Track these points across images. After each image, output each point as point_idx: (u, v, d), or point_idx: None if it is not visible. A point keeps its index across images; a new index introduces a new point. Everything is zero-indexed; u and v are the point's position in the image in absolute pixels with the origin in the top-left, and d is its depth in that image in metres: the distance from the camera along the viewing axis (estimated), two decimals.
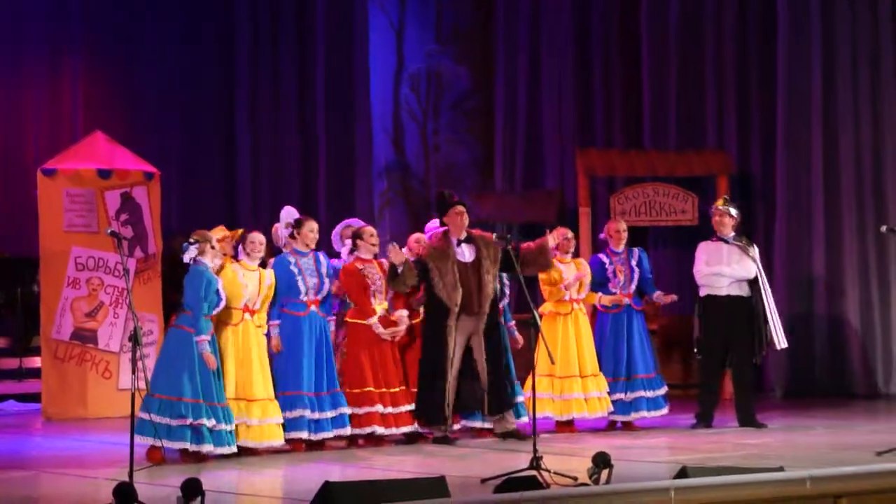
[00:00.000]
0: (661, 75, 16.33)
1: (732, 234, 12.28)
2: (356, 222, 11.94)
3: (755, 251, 12.26)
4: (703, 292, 12.25)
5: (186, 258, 10.51)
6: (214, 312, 10.43)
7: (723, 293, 12.15)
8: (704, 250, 12.29)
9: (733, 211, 12.35)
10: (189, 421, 10.19)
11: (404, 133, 18.39)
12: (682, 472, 7.80)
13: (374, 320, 11.22)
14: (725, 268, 12.15)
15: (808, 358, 15.09)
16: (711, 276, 12.16)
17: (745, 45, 16.05)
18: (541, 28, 17.44)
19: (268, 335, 11.04)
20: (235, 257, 11.08)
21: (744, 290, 12.17)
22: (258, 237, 10.95)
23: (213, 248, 10.51)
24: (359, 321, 11.28)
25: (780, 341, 12.17)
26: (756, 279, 12.17)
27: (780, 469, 8.07)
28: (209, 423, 10.24)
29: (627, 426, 12.24)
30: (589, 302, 12.35)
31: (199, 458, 10.28)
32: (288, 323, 11.05)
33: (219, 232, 11.11)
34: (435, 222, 12.00)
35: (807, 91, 15.08)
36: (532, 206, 16.71)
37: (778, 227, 15.33)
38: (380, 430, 11.15)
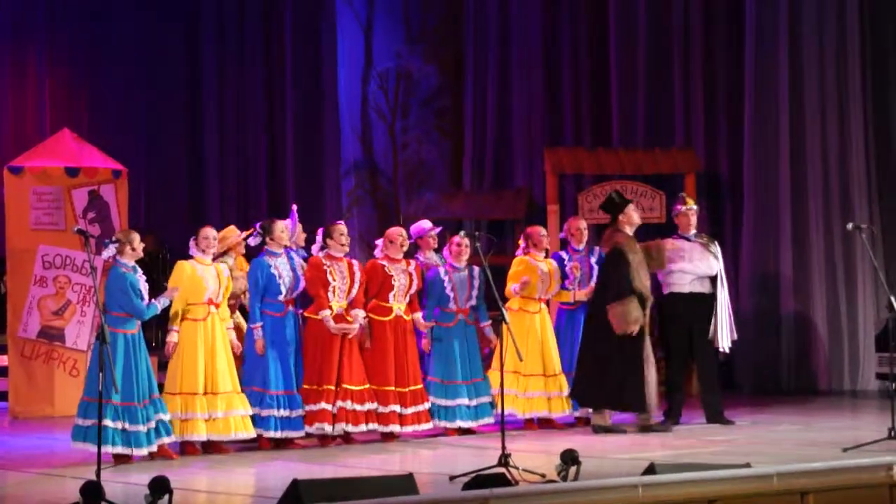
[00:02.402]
0: (629, 74, 16.37)
1: (694, 231, 12.33)
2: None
3: (717, 248, 12.30)
4: (665, 290, 12.27)
5: (105, 256, 10.48)
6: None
7: (685, 290, 12.17)
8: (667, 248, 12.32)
9: (695, 208, 12.42)
10: (128, 425, 10.16)
11: (372, 131, 18.37)
12: (650, 469, 7.80)
13: (326, 313, 11.11)
14: (688, 264, 12.18)
15: (775, 355, 15.15)
16: (674, 273, 12.18)
17: (712, 44, 16.10)
18: (510, 27, 17.47)
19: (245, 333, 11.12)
20: (246, 255, 11.10)
21: (706, 287, 12.20)
22: (211, 233, 10.91)
23: (133, 249, 10.44)
24: (315, 316, 11.24)
25: (724, 341, 12.17)
26: (716, 276, 12.21)
27: (748, 465, 8.08)
28: (125, 425, 10.15)
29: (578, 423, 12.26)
30: (563, 299, 12.33)
31: (123, 459, 10.19)
32: (268, 324, 11.03)
33: (230, 232, 11.29)
34: (421, 223, 12.03)
35: (773, 90, 15.13)
36: (501, 203, 16.73)
37: (745, 225, 15.38)
38: (328, 427, 11.05)
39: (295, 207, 11.92)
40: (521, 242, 12.32)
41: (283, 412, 10.95)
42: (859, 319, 15.07)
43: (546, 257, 12.33)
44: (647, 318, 11.65)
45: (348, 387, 11.13)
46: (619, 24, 16.44)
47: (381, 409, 11.34)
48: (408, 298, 11.56)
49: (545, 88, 17.12)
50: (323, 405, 11.04)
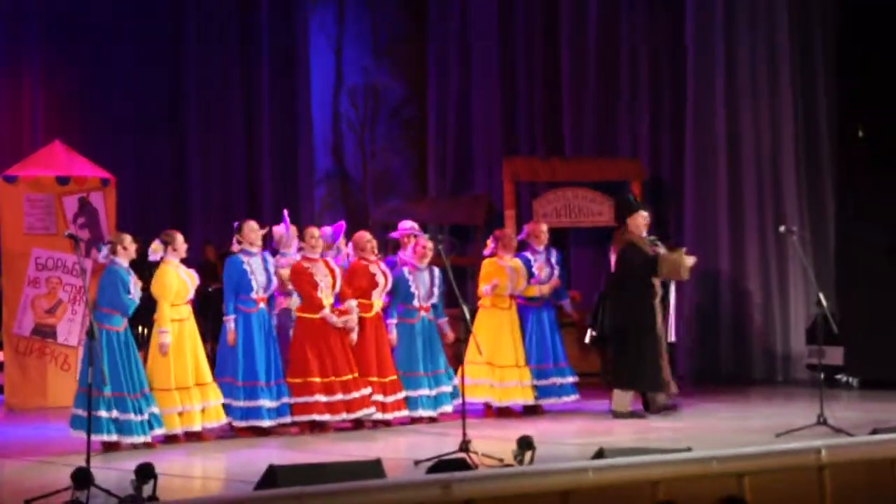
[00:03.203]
0: (579, 89, 16.40)
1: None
2: (342, 224, 12.01)
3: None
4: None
5: (101, 258, 10.43)
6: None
7: None
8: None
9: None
10: (120, 415, 10.11)
11: (343, 143, 18.37)
12: (600, 453, 7.82)
13: (326, 311, 11.11)
14: None
15: (714, 348, 15.20)
16: None
17: (656, 61, 16.15)
18: (470, 45, 17.49)
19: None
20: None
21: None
22: (180, 237, 10.85)
23: (125, 248, 10.38)
24: (307, 315, 11.20)
25: (672, 334, 12.28)
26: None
27: (689, 450, 8.10)
28: (117, 414, 10.10)
29: (535, 410, 12.28)
30: (529, 294, 12.35)
31: (112, 447, 10.13)
32: (240, 319, 11.00)
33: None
34: (407, 223, 12.03)
35: (712, 103, 15.17)
36: (462, 209, 16.74)
37: (687, 228, 15.41)
38: (319, 418, 11.06)
39: (286, 212, 11.93)
40: (490, 244, 12.34)
41: (249, 403, 10.91)
42: (791, 314, 15.13)
43: (513, 257, 12.37)
44: (658, 306, 11.77)
45: (337, 379, 11.12)
46: (570, 43, 16.47)
47: (366, 398, 11.37)
48: (383, 296, 11.60)
49: (502, 102, 17.13)
50: (314, 397, 11.01)
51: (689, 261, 11.83)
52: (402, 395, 11.57)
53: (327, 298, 11.20)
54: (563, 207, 15.37)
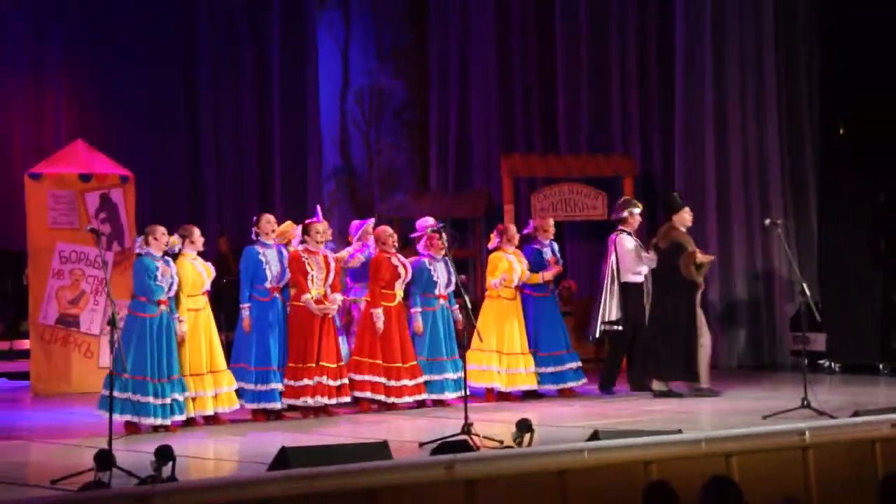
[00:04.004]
0: (573, 90, 16.39)
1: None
2: (370, 221, 12.05)
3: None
4: (623, 279, 12.35)
5: (136, 249, 10.47)
6: (164, 296, 10.34)
7: (639, 280, 12.31)
8: (627, 242, 12.37)
9: (637, 210, 12.53)
10: (138, 397, 10.13)
11: (350, 141, 18.34)
12: (595, 435, 7.82)
13: (307, 297, 11.06)
14: (646, 264, 12.31)
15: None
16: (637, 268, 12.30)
17: (646, 62, 16.13)
18: (469, 48, 17.47)
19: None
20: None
21: (640, 278, 12.35)
22: (197, 231, 10.87)
23: (155, 239, 10.41)
24: (298, 303, 11.21)
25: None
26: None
27: (679, 432, 8.11)
28: (135, 396, 10.13)
29: (534, 395, 12.29)
30: (533, 282, 12.36)
31: (132, 427, 10.16)
32: (255, 306, 11.01)
33: (288, 226, 11.37)
34: (428, 219, 12.04)
35: (700, 101, 15.15)
36: (463, 203, 16.74)
37: None
38: (310, 400, 11.02)
39: (319, 207, 11.97)
40: (494, 238, 12.34)
41: (260, 386, 10.92)
42: (776, 303, 15.14)
43: (516, 249, 12.38)
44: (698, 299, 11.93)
45: (325, 364, 11.11)
46: (564, 45, 16.46)
47: (392, 383, 11.40)
48: (404, 286, 11.63)
49: (500, 101, 17.12)
50: (305, 381, 11.02)
51: (704, 258, 11.86)
52: (422, 379, 11.61)
53: (316, 288, 11.17)
54: (559, 202, 15.37)
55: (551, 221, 12.72)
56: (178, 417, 10.37)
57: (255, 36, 17.87)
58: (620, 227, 12.50)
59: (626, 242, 12.38)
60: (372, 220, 12.18)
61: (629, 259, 12.33)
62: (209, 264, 10.97)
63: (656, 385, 11.94)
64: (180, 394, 10.37)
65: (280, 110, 17.74)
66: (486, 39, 17.23)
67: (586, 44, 16.28)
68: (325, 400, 11.08)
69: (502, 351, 12.06)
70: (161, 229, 10.47)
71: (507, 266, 12.11)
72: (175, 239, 10.69)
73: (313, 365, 11.05)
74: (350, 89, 18.24)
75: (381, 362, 11.41)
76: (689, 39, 15.17)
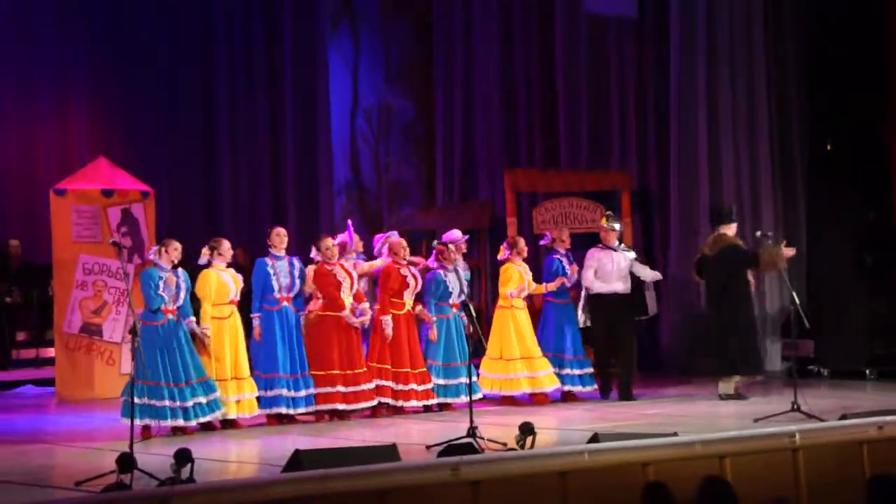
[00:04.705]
0: (573, 107, 16.41)
1: (617, 243, 12.44)
2: (393, 234, 12.01)
3: (632, 254, 12.47)
4: (594, 290, 12.38)
5: (150, 256, 10.52)
6: (165, 306, 10.35)
7: (613, 289, 12.28)
8: (594, 257, 12.38)
9: (616, 226, 12.54)
10: (154, 401, 10.15)
11: (360, 156, 18.39)
12: (594, 438, 7.83)
13: (346, 312, 11.16)
14: (648, 272, 12.38)
15: (697, 342, 15.16)
16: (595, 283, 12.29)
17: (643, 83, 16.15)
18: (473, 68, 17.51)
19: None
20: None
21: (627, 287, 12.32)
22: (227, 243, 10.90)
23: (167, 252, 10.45)
24: (330, 313, 11.22)
25: (652, 308, 12.58)
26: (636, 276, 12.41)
27: (675, 434, 8.12)
28: (150, 401, 10.15)
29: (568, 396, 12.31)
30: (538, 292, 12.38)
31: (146, 431, 10.20)
32: (264, 316, 11.04)
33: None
34: (456, 232, 12.05)
35: (694, 119, 15.15)
36: (468, 215, 16.74)
37: (672, 235, 15.40)
38: (340, 406, 11.10)
39: (350, 221, 11.99)
40: (504, 250, 12.37)
41: (268, 392, 10.93)
42: (767, 311, 15.12)
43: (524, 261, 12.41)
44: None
45: (350, 372, 11.15)
46: (564, 64, 16.49)
47: (400, 387, 11.41)
48: (414, 296, 11.64)
49: (503, 119, 17.15)
50: (336, 388, 11.05)
51: (788, 252, 11.87)
52: (431, 384, 11.62)
53: (348, 299, 11.24)
54: (559, 215, 15.38)
55: (567, 232, 12.78)
56: (204, 419, 10.38)
57: (269, 58, 17.91)
58: (599, 243, 12.55)
59: (591, 258, 12.37)
60: (395, 233, 12.14)
61: (587, 274, 12.34)
62: (238, 275, 11.00)
63: (722, 388, 11.91)
64: (204, 396, 10.38)
65: (293, 128, 17.77)
66: (489, 60, 17.27)
67: (586, 65, 16.33)
68: (355, 406, 11.11)
69: (528, 356, 12.08)
70: (175, 244, 10.51)
71: (519, 276, 12.18)
72: (205, 250, 10.74)
73: (350, 372, 11.09)
74: (360, 107, 18.29)
75: (389, 367, 11.44)
76: (683, 63, 15.19)
